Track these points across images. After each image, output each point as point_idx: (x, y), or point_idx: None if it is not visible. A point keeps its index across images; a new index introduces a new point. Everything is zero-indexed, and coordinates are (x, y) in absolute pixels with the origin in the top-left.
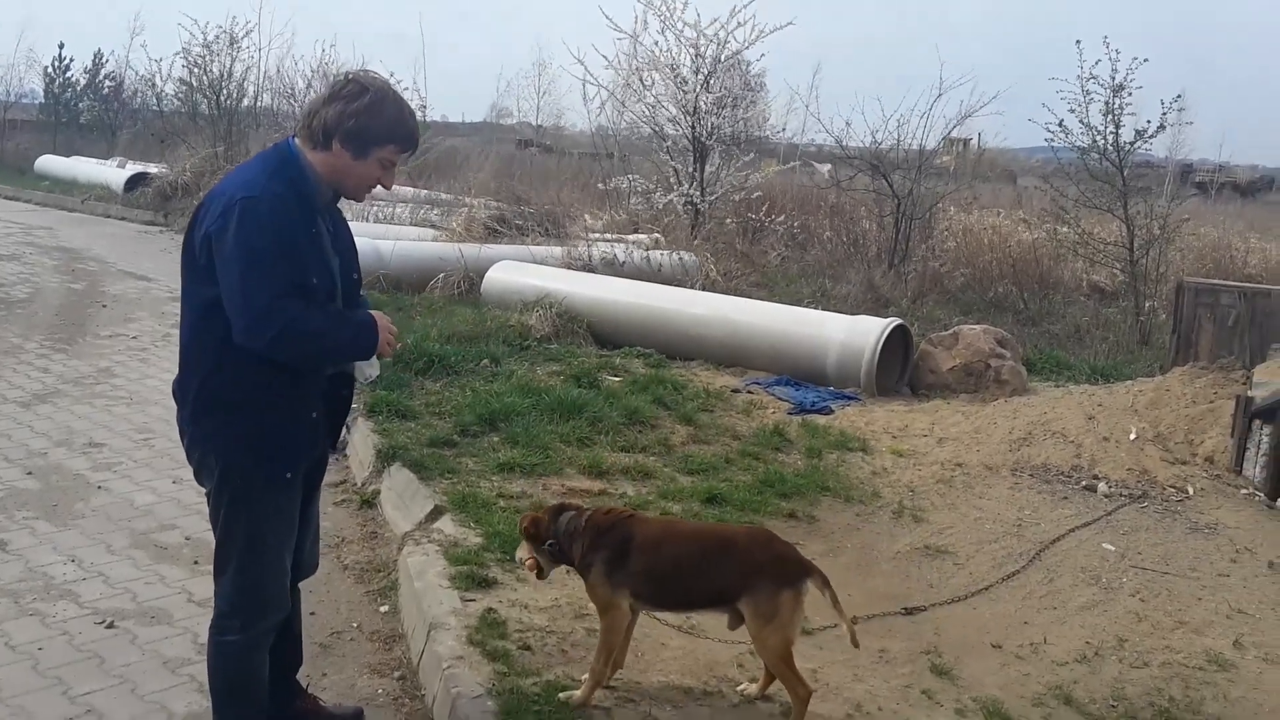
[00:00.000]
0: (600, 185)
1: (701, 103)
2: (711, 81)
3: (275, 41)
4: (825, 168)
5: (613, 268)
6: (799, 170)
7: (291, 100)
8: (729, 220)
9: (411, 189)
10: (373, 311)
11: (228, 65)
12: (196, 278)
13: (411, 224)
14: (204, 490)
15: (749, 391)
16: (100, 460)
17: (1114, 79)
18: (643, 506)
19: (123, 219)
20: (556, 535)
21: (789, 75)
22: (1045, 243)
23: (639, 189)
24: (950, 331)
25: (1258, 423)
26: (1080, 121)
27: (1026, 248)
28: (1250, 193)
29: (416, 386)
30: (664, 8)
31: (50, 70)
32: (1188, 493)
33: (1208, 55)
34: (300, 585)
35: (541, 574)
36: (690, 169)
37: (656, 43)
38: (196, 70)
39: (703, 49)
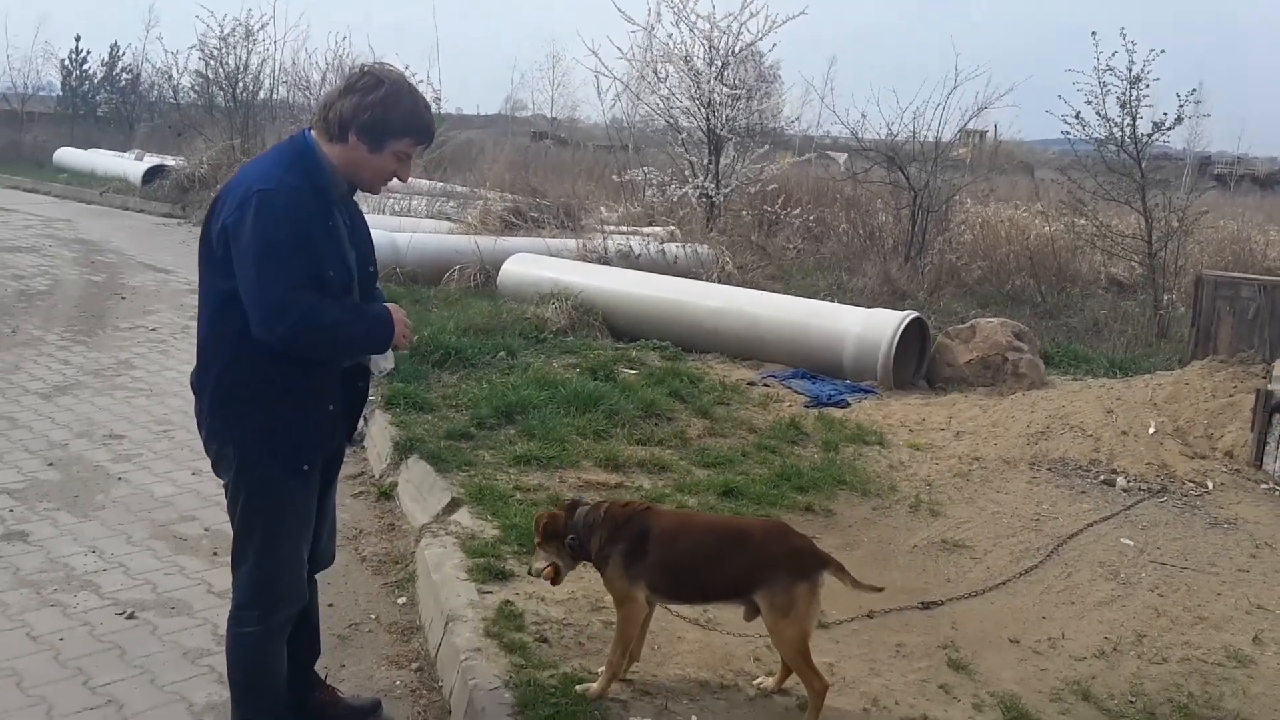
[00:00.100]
0: (615, 177)
1: (715, 95)
2: (725, 73)
3: (290, 34)
4: (842, 157)
5: (628, 260)
6: (815, 161)
7: (307, 93)
8: (744, 213)
9: (427, 181)
10: (388, 304)
11: (243, 58)
12: (214, 270)
13: (427, 216)
14: (222, 482)
15: (765, 384)
16: (120, 452)
17: (1131, 71)
18: (659, 499)
19: (141, 211)
20: (575, 530)
21: (803, 67)
22: (1063, 235)
23: (654, 181)
24: (967, 325)
25: (1278, 417)
26: (1097, 114)
27: (1044, 240)
28: (1270, 184)
29: (433, 379)
30: (677, 0)
31: (67, 63)
32: (1207, 487)
33: (1225, 47)
34: (318, 577)
35: (557, 579)
36: (705, 161)
37: (670, 35)
38: (212, 63)
39: (716, 41)
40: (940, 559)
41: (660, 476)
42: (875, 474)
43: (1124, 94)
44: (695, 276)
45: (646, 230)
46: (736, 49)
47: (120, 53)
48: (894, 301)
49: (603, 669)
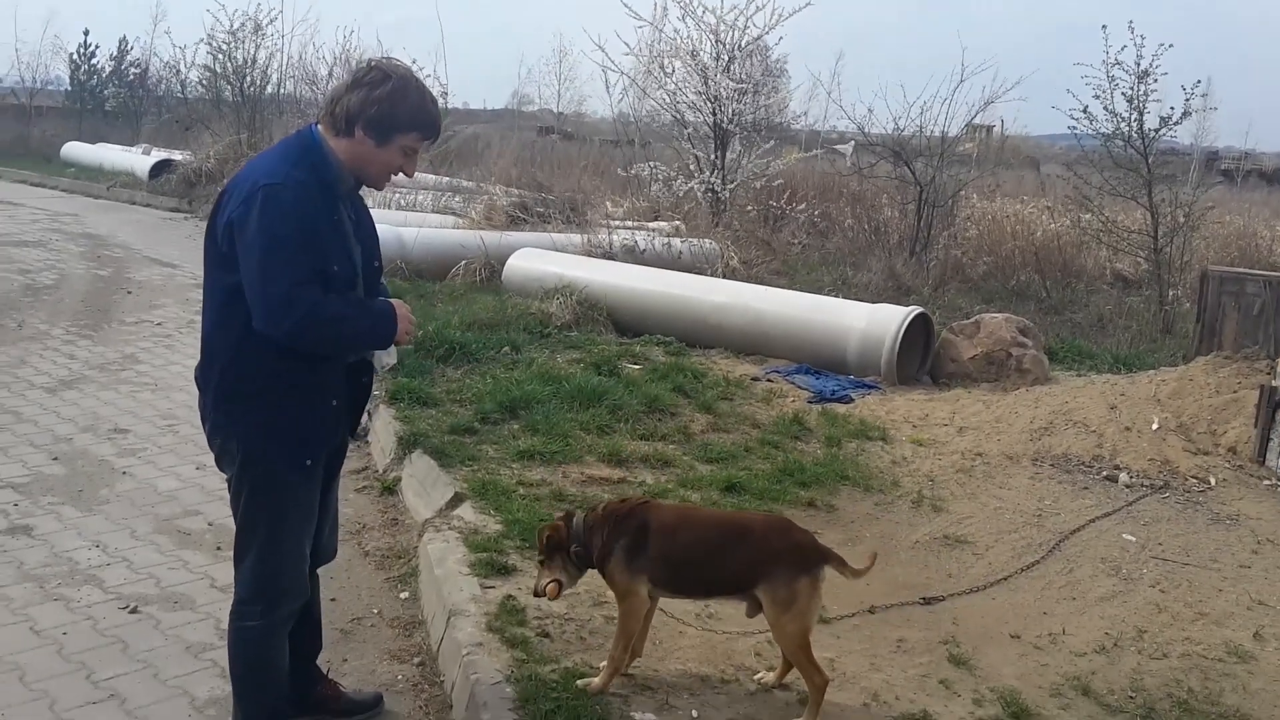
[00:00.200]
0: (621, 172)
1: (722, 89)
2: (732, 67)
3: (298, 28)
4: (848, 148)
5: (633, 255)
6: (822, 156)
7: (314, 87)
8: (750, 208)
9: (434, 176)
10: (392, 300)
11: (252, 52)
12: (219, 265)
13: (433, 211)
14: (226, 477)
15: (769, 380)
16: (125, 446)
17: (1139, 65)
18: (662, 494)
19: (148, 205)
20: (577, 538)
21: (810, 61)
22: (1069, 231)
23: (660, 176)
24: (972, 320)
25: None
26: (1104, 108)
27: (1049, 236)
28: (1277, 180)
29: (438, 374)
30: None
31: (75, 57)
32: (1210, 483)
33: (1233, 42)
34: (320, 571)
35: (558, 595)
36: (711, 156)
37: (677, 30)
38: (220, 57)
39: (723, 35)
40: (942, 554)
41: (663, 472)
42: (878, 469)
43: (1131, 88)
44: (700, 271)
45: (652, 225)
46: (743, 43)
47: (128, 47)
48: (899, 297)
49: (604, 664)
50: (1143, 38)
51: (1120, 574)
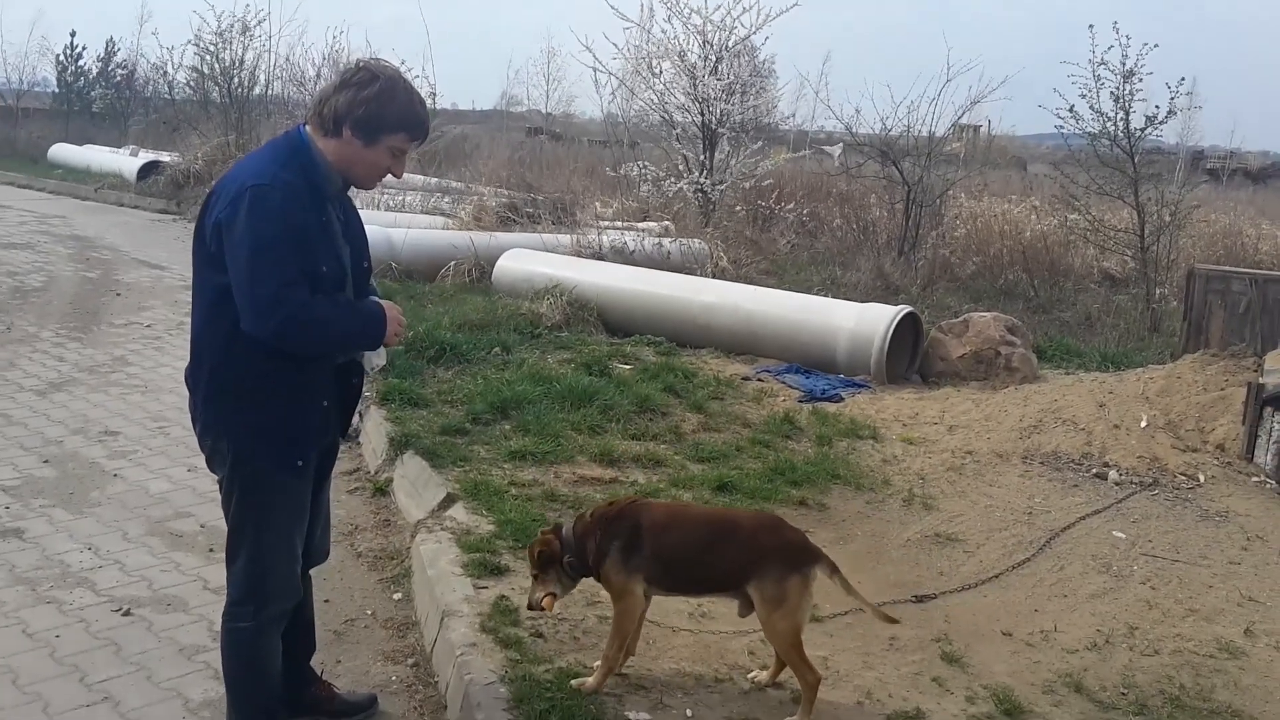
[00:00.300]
0: (610, 173)
1: (710, 90)
2: (720, 68)
3: (286, 29)
4: (837, 149)
5: (623, 255)
6: (810, 157)
7: (302, 88)
8: (739, 208)
9: (422, 177)
10: (381, 301)
11: (239, 53)
12: (208, 265)
13: (423, 212)
14: (217, 478)
15: (759, 379)
16: (116, 448)
17: (1124, 64)
18: (654, 494)
19: (136, 207)
20: (569, 548)
21: (798, 62)
22: (1056, 230)
23: (649, 176)
24: (960, 319)
25: (1269, 410)
26: (1091, 107)
27: (1037, 235)
28: (1262, 179)
29: (428, 375)
30: None
31: (62, 59)
32: (1199, 480)
33: (1218, 42)
34: (313, 573)
35: (555, 605)
36: (700, 156)
37: (664, 30)
38: (208, 58)
39: (710, 36)
40: (933, 552)
41: (655, 471)
42: (869, 468)
43: (1118, 88)
44: (690, 272)
45: (641, 225)
46: (730, 44)
47: (115, 48)
48: (887, 296)
49: (598, 663)
50: (1128, 37)
51: (1111, 571)
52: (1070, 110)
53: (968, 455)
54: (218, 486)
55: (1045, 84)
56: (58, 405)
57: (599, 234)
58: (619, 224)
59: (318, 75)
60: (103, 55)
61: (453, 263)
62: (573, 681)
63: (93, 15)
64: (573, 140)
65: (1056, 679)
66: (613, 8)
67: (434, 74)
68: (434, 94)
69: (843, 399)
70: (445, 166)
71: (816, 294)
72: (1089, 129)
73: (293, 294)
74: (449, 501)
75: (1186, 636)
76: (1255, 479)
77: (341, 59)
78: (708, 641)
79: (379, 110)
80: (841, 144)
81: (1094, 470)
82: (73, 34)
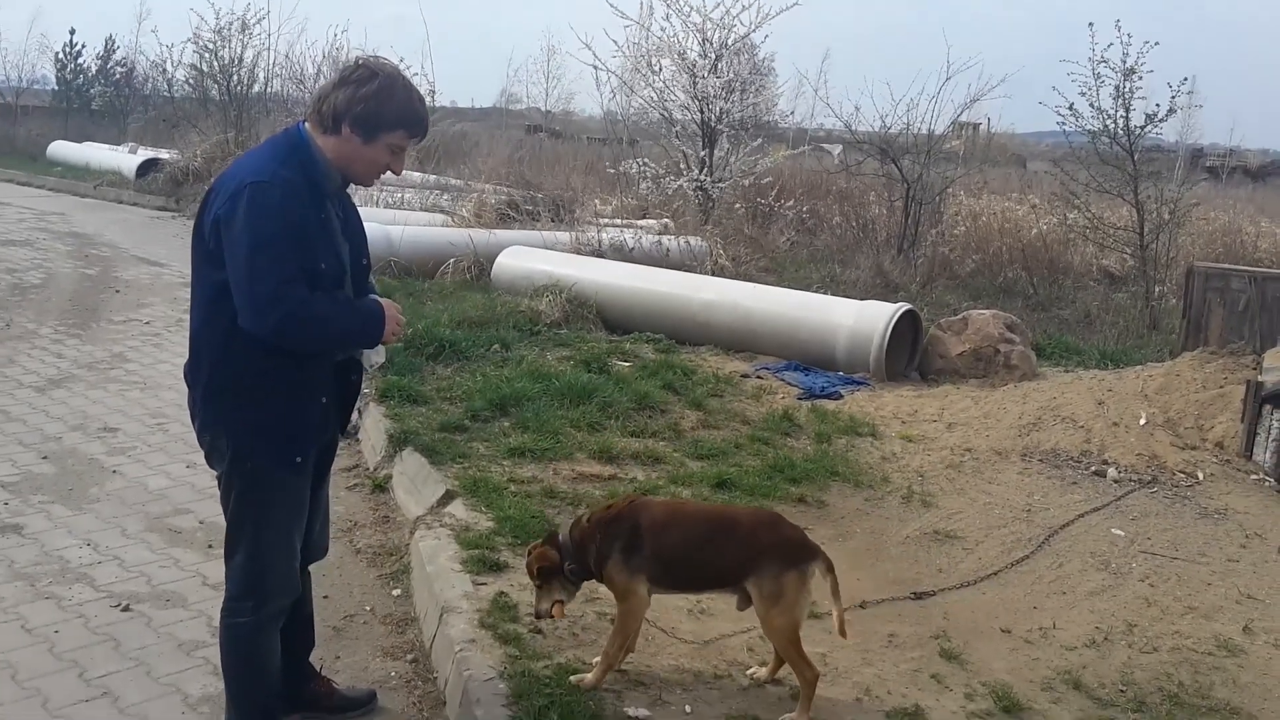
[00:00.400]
0: (610, 170)
1: (709, 88)
2: (719, 66)
3: (285, 26)
4: (836, 149)
5: (622, 253)
6: (809, 154)
7: (302, 86)
8: (738, 205)
9: (420, 174)
10: (380, 299)
11: (238, 51)
12: (206, 262)
13: (422, 209)
14: (216, 474)
15: (758, 377)
16: (115, 445)
17: (1125, 62)
18: (652, 491)
19: (135, 205)
20: (568, 555)
21: (797, 60)
22: (1055, 228)
23: (649, 174)
24: (959, 316)
25: (1268, 408)
26: (1091, 105)
27: (1035, 233)
28: (1261, 177)
29: (428, 372)
30: None
31: (62, 56)
32: (1197, 478)
33: (1219, 40)
34: (312, 569)
35: (564, 611)
36: (699, 153)
37: (664, 28)
38: (207, 56)
39: (709, 34)
40: (932, 549)
41: (654, 468)
42: (868, 465)
43: (1118, 85)
44: (689, 269)
45: (641, 223)
46: (730, 42)
47: (114, 46)
48: (887, 294)
49: (597, 660)
50: (1129, 35)
51: (1109, 568)
52: (1070, 108)
53: (967, 453)
54: (216, 483)
55: (1045, 82)
56: (57, 402)
57: (598, 231)
58: (618, 221)
59: (317, 73)
60: (102, 53)
61: (452, 260)
62: (572, 677)
63: (92, 13)
64: (572, 138)
65: (1055, 676)
66: (612, 5)
67: (433, 72)
68: (433, 92)
69: (842, 396)
70: (444, 164)
71: (816, 291)
72: (1089, 126)
73: (291, 291)
74: (448, 498)
75: (1185, 634)
76: (1254, 476)
77: (341, 57)
78: (707, 638)
79: (378, 107)
80: (841, 145)
81: (1093, 468)
82: (72, 32)
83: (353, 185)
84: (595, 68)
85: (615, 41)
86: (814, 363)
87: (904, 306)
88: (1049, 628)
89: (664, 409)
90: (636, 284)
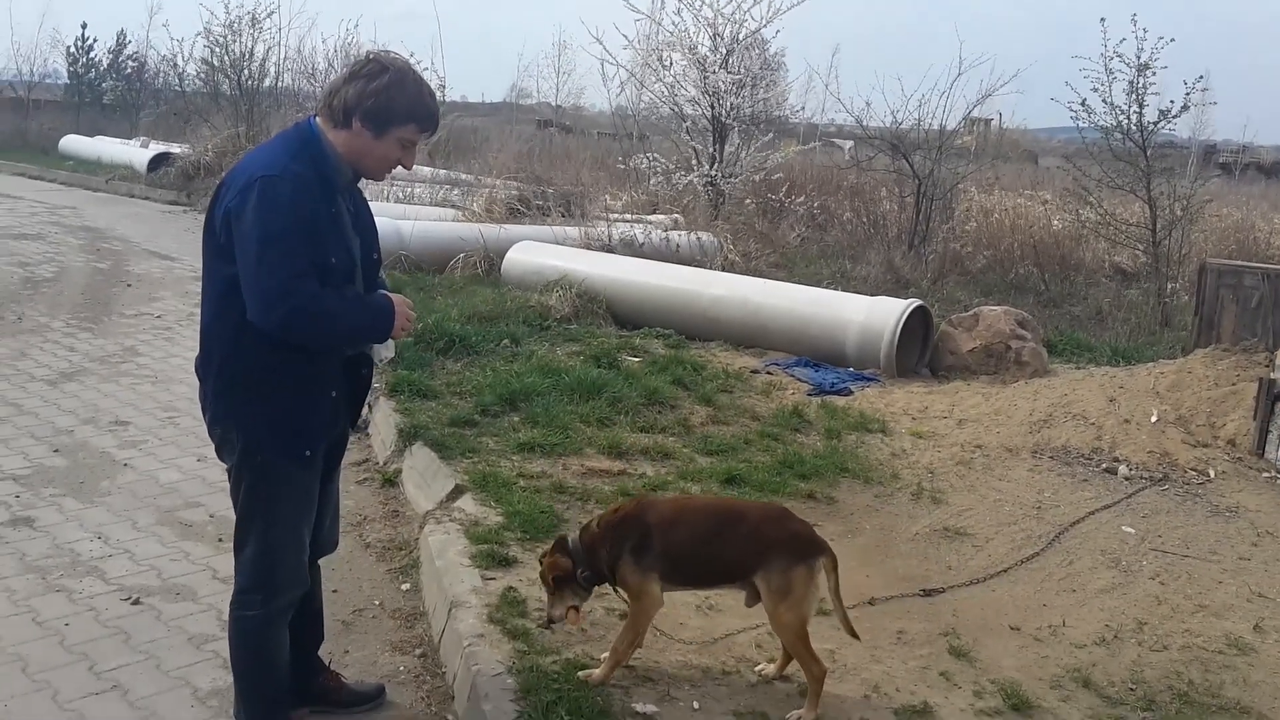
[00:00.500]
0: (620, 165)
1: (720, 83)
2: (730, 61)
3: (296, 21)
4: (848, 145)
5: (632, 248)
6: (820, 149)
7: (313, 80)
8: (748, 201)
9: (431, 169)
10: (391, 294)
11: (249, 45)
12: (217, 256)
13: (433, 204)
14: (226, 467)
15: (768, 372)
16: (126, 438)
17: (1139, 58)
18: (662, 487)
19: (146, 199)
20: (579, 561)
21: (809, 55)
22: (1068, 224)
23: (659, 169)
24: (970, 313)
25: None
26: (1104, 101)
27: (1047, 229)
28: (1274, 173)
29: (437, 366)
30: None
31: (73, 51)
32: (1209, 475)
33: (1233, 36)
34: (321, 563)
35: (580, 617)
36: (710, 149)
37: (675, 23)
38: (218, 50)
39: (721, 28)
40: (942, 546)
41: (663, 464)
42: (877, 462)
43: (1132, 81)
44: (699, 265)
45: (651, 218)
46: (741, 36)
47: (126, 40)
48: (897, 290)
49: (606, 655)
50: (1145, 30)
51: (1120, 566)
52: (1083, 103)
53: (977, 449)
54: (227, 476)
55: (1058, 78)
56: (68, 395)
57: (608, 226)
58: (628, 216)
59: (329, 67)
60: (113, 47)
61: (462, 255)
62: (580, 673)
63: (104, 7)
64: (583, 133)
65: (1064, 674)
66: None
67: (444, 67)
68: (443, 86)
69: (852, 392)
70: (455, 159)
71: (826, 287)
72: (1102, 122)
73: (300, 286)
74: (457, 493)
75: (1195, 632)
76: (1266, 474)
77: (352, 51)
78: (715, 634)
79: (388, 102)
80: (852, 140)
81: (1104, 465)
82: (84, 26)
83: (364, 180)
84: (603, 62)
85: (626, 36)
86: (824, 359)
87: (915, 302)
88: (1059, 625)
89: (673, 404)
90: (646, 279)
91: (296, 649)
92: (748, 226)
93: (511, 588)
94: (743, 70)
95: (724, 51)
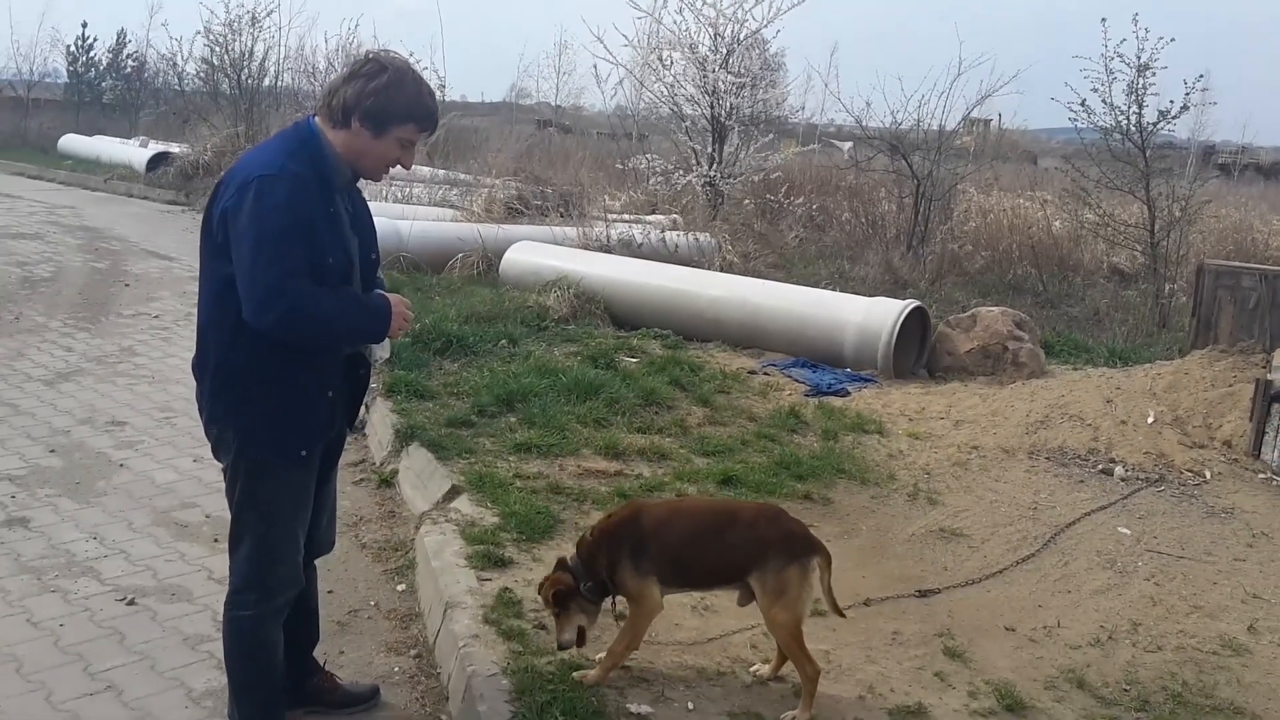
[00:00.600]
0: (619, 165)
1: (720, 82)
2: (730, 61)
3: (296, 20)
4: (847, 145)
5: (630, 248)
6: (820, 150)
7: (313, 80)
8: (747, 201)
9: (429, 169)
10: (388, 294)
11: (249, 44)
12: (214, 255)
13: (431, 204)
14: (222, 466)
15: (765, 373)
16: (122, 438)
17: (1139, 58)
18: (658, 488)
19: (145, 198)
20: (579, 577)
21: (808, 55)
22: (1066, 225)
23: (658, 169)
24: (968, 314)
25: (1277, 407)
26: (1103, 101)
27: (1045, 230)
28: (1273, 174)
29: (435, 367)
30: None
31: (73, 50)
32: (1205, 477)
33: (1232, 36)
34: (318, 563)
35: (583, 640)
36: (709, 149)
37: (676, 22)
38: (218, 49)
39: (721, 28)
40: (938, 547)
41: (660, 464)
42: (874, 462)
43: (1131, 81)
44: (697, 265)
45: (650, 218)
46: (741, 36)
47: (126, 39)
48: (896, 290)
49: (601, 656)
50: (1146, 30)
51: (1115, 567)
52: (1083, 104)
53: (973, 450)
54: (223, 474)
55: (1057, 78)
56: (65, 395)
57: (607, 227)
58: (627, 217)
59: (328, 67)
60: (113, 46)
61: (460, 255)
62: (575, 674)
63: (104, 6)
64: (582, 133)
65: (1059, 674)
66: None
67: (444, 66)
68: (443, 86)
69: (849, 393)
70: (454, 159)
71: (825, 288)
72: (1101, 123)
73: (295, 285)
74: (454, 493)
75: (1190, 633)
76: (1262, 476)
77: (352, 51)
78: (710, 634)
79: (387, 101)
80: (851, 141)
81: (1100, 466)
82: (84, 25)
83: (363, 179)
84: (596, 65)
85: (625, 36)
86: (822, 359)
87: (912, 303)
88: (1053, 626)
89: (671, 405)
90: (644, 279)
91: (291, 649)
92: (746, 227)
93: (507, 588)
94: (743, 70)
95: (724, 51)
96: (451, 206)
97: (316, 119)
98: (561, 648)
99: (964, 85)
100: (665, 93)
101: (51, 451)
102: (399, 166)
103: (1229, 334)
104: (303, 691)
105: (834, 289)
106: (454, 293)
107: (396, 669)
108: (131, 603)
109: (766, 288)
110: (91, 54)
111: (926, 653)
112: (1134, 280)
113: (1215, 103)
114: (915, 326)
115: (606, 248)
